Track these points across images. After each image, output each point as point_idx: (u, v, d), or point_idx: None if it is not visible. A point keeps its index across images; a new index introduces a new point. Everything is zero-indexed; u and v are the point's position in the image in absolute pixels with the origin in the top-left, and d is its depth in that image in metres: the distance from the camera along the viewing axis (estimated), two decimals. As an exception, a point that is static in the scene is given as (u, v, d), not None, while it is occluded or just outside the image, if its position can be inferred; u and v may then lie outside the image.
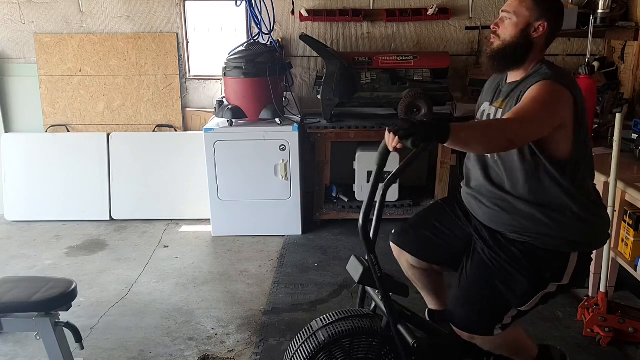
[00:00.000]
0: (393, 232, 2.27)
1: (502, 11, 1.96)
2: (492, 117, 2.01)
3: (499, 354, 2.03)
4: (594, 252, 2.06)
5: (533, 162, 1.86)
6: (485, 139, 1.71)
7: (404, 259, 2.23)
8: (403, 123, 1.61)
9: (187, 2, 4.38)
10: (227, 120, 3.86)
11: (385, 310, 1.90)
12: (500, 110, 1.96)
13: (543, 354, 2.15)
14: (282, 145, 3.84)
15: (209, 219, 4.04)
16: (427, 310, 2.37)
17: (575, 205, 1.87)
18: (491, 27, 1.98)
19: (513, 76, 1.99)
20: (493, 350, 2.00)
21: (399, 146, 1.61)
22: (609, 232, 2.04)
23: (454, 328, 1.96)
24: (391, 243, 2.26)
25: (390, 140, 1.64)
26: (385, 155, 1.80)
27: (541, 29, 1.90)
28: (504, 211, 1.93)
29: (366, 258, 1.87)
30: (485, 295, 1.91)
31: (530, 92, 1.81)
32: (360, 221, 1.80)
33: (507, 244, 1.92)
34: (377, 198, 1.80)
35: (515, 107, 1.80)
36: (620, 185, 2.64)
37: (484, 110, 2.08)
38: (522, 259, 1.89)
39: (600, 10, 3.67)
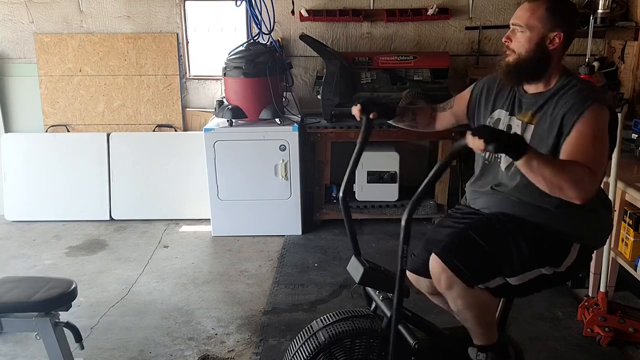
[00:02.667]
0: (413, 265, 2.10)
1: (512, 24, 1.88)
2: (520, 131, 1.90)
3: (463, 317, 1.94)
4: (594, 252, 2.05)
5: None
6: (553, 182, 1.63)
7: (424, 287, 2.14)
8: (489, 129, 1.59)
9: (187, 2, 4.38)
10: (227, 120, 3.86)
11: (385, 311, 1.90)
12: (531, 127, 1.88)
13: (499, 344, 2.00)
14: (282, 145, 3.84)
15: (209, 219, 4.04)
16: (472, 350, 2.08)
17: (587, 203, 1.80)
18: (503, 40, 1.91)
19: (533, 86, 1.91)
20: (461, 310, 1.91)
21: (482, 149, 1.58)
22: (609, 234, 2.03)
23: (435, 271, 1.84)
24: (408, 273, 2.07)
25: (474, 143, 1.57)
26: (457, 154, 1.76)
27: (557, 40, 1.83)
28: (514, 202, 1.92)
29: (366, 259, 1.86)
30: (482, 248, 1.85)
31: (588, 127, 1.73)
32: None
33: (514, 218, 1.90)
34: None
35: (583, 150, 1.71)
36: (620, 185, 2.64)
37: (499, 119, 2.00)
38: (527, 231, 1.87)
39: (600, 10, 3.67)
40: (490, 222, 1.92)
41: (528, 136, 1.88)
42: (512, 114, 1.97)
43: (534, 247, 1.86)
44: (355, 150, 2.01)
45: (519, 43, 1.86)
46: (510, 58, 1.88)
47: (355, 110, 2.04)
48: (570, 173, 1.64)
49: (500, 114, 2.01)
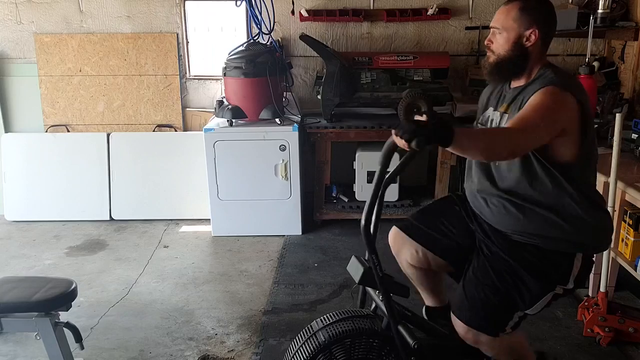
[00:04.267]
0: (403, 222, 2.24)
1: (491, 27, 1.97)
2: (496, 122, 2.01)
3: (499, 359, 2.02)
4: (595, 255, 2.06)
5: (538, 166, 1.85)
6: (486, 148, 1.71)
7: (404, 257, 2.21)
8: (408, 125, 1.60)
9: (187, 2, 4.38)
10: (227, 120, 3.86)
11: (385, 311, 1.90)
12: (505, 115, 1.96)
13: None
14: (282, 145, 3.84)
15: (209, 219, 4.04)
16: (424, 307, 2.35)
17: (580, 208, 1.87)
18: (485, 42, 2.00)
19: (517, 81, 1.99)
20: (496, 355, 1.99)
21: (406, 147, 1.60)
22: (611, 236, 2.04)
23: (460, 331, 1.94)
24: (396, 232, 2.21)
25: (399, 141, 1.63)
26: (389, 156, 1.80)
27: (533, 36, 1.90)
28: (509, 213, 1.93)
29: (367, 258, 1.86)
30: (494, 296, 1.90)
31: (533, 100, 1.81)
32: (363, 221, 1.80)
33: (514, 246, 1.93)
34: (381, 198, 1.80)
35: (517, 115, 1.80)
36: (620, 185, 2.64)
37: (488, 117, 2.08)
38: (530, 262, 1.89)
39: (600, 10, 3.67)
40: (494, 268, 1.93)
41: (503, 124, 1.96)
42: (495, 108, 2.05)
43: (540, 278, 1.89)
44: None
45: (498, 44, 1.95)
46: (491, 59, 1.97)
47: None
48: (498, 132, 1.81)
49: (489, 112, 2.09)
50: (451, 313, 1.97)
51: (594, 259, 2.01)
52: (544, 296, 1.91)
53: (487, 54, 1.99)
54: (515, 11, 1.90)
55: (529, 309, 1.92)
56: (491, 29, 1.98)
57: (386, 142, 1.79)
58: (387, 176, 1.78)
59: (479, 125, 2.14)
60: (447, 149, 1.64)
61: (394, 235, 2.23)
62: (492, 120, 2.05)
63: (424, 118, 1.88)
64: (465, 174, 2.17)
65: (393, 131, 1.65)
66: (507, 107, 1.97)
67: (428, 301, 2.35)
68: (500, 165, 1.94)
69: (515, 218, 1.92)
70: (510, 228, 1.94)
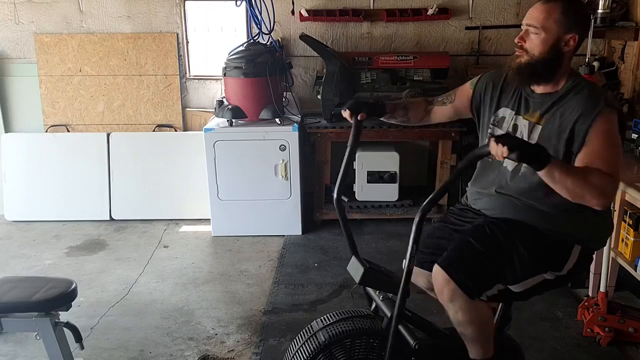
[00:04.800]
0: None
1: (526, 25, 1.85)
2: (526, 131, 1.91)
3: (461, 331, 1.94)
4: (595, 252, 2.05)
5: None
6: (576, 192, 1.65)
7: (422, 281, 2.14)
8: (513, 138, 1.59)
9: (187, 2, 4.38)
10: (227, 120, 3.86)
11: (385, 311, 1.90)
12: (538, 127, 1.88)
13: (495, 358, 2.02)
14: (282, 145, 3.84)
15: (209, 219, 4.04)
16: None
17: (584, 206, 1.81)
18: (516, 40, 1.87)
19: (542, 87, 1.90)
20: (461, 323, 1.91)
21: (503, 156, 1.58)
22: (611, 233, 2.03)
23: (439, 282, 1.85)
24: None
25: (497, 150, 1.57)
26: (476, 160, 1.79)
27: (572, 42, 1.82)
28: (516, 208, 1.92)
29: (366, 259, 1.86)
30: (484, 256, 1.86)
31: (606, 134, 1.74)
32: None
33: (517, 224, 1.91)
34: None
35: (601, 155, 1.72)
36: (620, 185, 2.64)
37: (504, 117, 1.99)
38: (528, 238, 1.87)
39: (600, 10, 3.67)
40: (491, 230, 1.91)
41: (535, 136, 1.88)
42: (518, 113, 1.96)
43: (535, 254, 1.86)
44: (347, 152, 2.01)
45: (532, 44, 1.83)
46: (523, 59, 1.86)
47: (346, 114, 2.04)
48: (592, 182, 1.66)
49: (505, 112, 2.00)
50: (435, 264, 1.90)
51: (593, 256, 2.00)
52: (533, 276, 1.88)
53: (517, 52, 1.87)
54: (558, 12, 1.80)
55: (514, 284, 1.87)
56: (524, 27, 1.85)
57: (476, 149, 1.72)
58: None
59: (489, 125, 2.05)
60: (539, 172, 1.61)
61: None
62: (514, 125, 1.95)
63: None
64: (474, 176, 2.12)
65: (492, 139, 1.58)
66: (540, 117, 1.88)
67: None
68: (525, 174, 1.89)
69: (521, 214, 1.92)
70: (512, 216, 1.94)
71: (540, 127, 1.87)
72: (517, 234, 1.89)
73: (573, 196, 1.67)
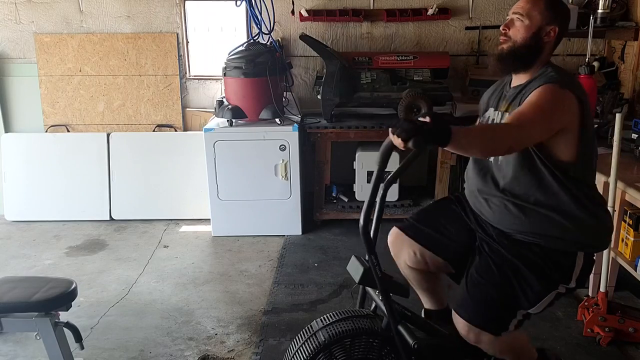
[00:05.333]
0: (402, 223, 2.23)
1: (512, 13, 1.95)
2: (496, 122, 2.00)
3: (501, 358, 2.02)
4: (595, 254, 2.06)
5: (539, 166, 1.86)
6: (484, 145, 1.72)
7: (403, 259, 2.21)
8: (406, 124, 1.61)
9: (187, 2, 4.38)
10: (227, 120, 3.86)
11: (385, 311, 1.90)
12: (506, 114, 1.96)
13: (541, 359, 2.14)
14: (282, 145, 3.84)
15: (209, 219, 4.04)
16: (423, 310, 2.35)
17: (581, 207, 1.88)
18: (501, 28, 1.97)
19: (518, 79, 1.99)
20: (498, 354, 1.98)
21: (402, 147, 1.61)
22: (611, 235, 2.04)
23: (462, 330, 1.93)
24: (396, 233, 2.21)
25: (395, 141, 1.64)
26: (386, 155, 1.80)
27: (552, 33, 1.91)
28: (510, 213, 1.93)
29: (366, 258, 1.86)
30: (497, 295, 1.90)
31: (532, 97, 1.81)
32: (361, 221, 1.79)
33: (517, 245, 1.93)
34: (378, 198, 1.80)
35: (515, 111, 1.80)
36: (620, 185, 2.64)
37: (489, 117, 2.08)
38: (532, 261, 1.89)
39: (600, 10, 3.67)
40: (496, 265, 1.93)
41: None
42: (496, 108, 2.05)
43: (543, 277, 1.89)
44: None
45: (516, 31, 1.93)
46: (505, 45, 1.95)
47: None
48: (495, 128, 1.81)
49: (490, 112, 2.08)
50: (452, 311, 1.96)
51: (594, 258, 2.01)
52: (547, 295, 1.91)
53: (501, 39, 1.96)
54: (543, 4, 1.91)
55: (532, 307, 1.91)
56: (511, 15, 1.95)
57: (384, 141, 1.79)
58: (389, 177, 1.78)
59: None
60: (446, 148, 1.64)
61: (394, 237, 2.23)
62: (492, 120, 2.04)
63: (427, 120, 1.87)
64: (465, 176, 2.16)
65: (390, 130, 1.64)
66: (508, 106, 1.97)
67: (427, 304, 2.35)
68: (502, 165, 1.94)
69: (517, 218, 1.92)
70: (512, 228, 1.94)
71: (508, 114, 1.95)
72: (522, 261, 1.90)
73: (486, 150, 1.77)
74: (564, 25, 1.96)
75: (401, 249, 2.20)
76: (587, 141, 1.87)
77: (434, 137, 1.60)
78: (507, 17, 1.97)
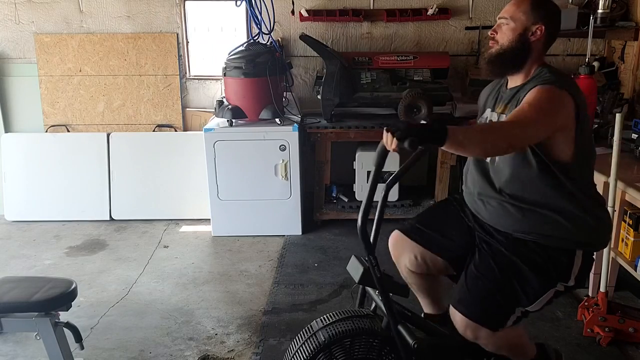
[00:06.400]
0: (403, 225, 2.24)
1: (499, 18, 2.00)
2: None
3: (500, 354, 2.02)
4: (595, 253, 2.06)
5: (536, 165, 1.86)
6: (483, 143, 1.72)
7: (403, 263, 2.20)
8: (401, 124, 1.61)
9: (187, 2, 4.38)
10: (227, 120, 3.86)
11: (385, 311, 1.90)
12: (503, 116, 1.97)
13: (540, 354, 2.14)
14: (282, 145, 3.84)
15: (209, 219, 4.04)
16: (422, 315, 2.34)
17: (579, 206, 1.88)
18: (489, 33, 2.01)
19: (513, 81, 2.00)
20: (496, 350, 1.99)
21: (393, 147, 1.61)
22: (610, 234, 2.04)
23: (460, 325, 1.93)
24: (397, 236, 2.21)
25: (388, 141, 1.64)
26: (383, 155, 1.80)
27: (539, 32, 1.92)
28: (508, 214, 1.94)
29: (366, 258, 1.87)
30: (496, 290, 1.90)
31: (529, 96, 1.82)
32: (359, 222, 1.79)
33: (515, 243, 1.93)
34: (378, 198, 1.80)
35: (514, 111, 1.81)
36: (620, 185, 2.64)
37: (486, 117, 2.09)
38: (531, 259, 1.90)
39: (600, 10, 3.68)
40: (496, 262, 1.94)
41: None
42: (493, 109, 2.06)
43: (541, 275, 1.89)
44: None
45: (503, 34, 1.97)
46: (493, 49, 1.98)
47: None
48: (494, 127, 1.81)
49: (487, 113, 2.09)
50: (450, 307, 1.96)
51: (594, 257, 2.01)
52: (545, 293, 1.91)
53: (490, 44, 2.00)
54: (526, 5, 1.93)
55: (530, 305, 1.92)
56: (498, 20, 2.00)
57: (380, 141, 1.79)
58: (391, 177, 1.78)
59: None
60: (444, 148, 1.64)
61: (395, 240, 2.23)
62: (490, 121, 2.05)
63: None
64: (463, 178, 2.17)
65: (384, 130, 1.64)
66: (505, 107, 1.98)
67: (427, 308, 2.35)
68: (498, 166, 1.94)
69: (515, 218, 1.93)
70: (511, 228, 1.95)
71: (504, 115, 1.96)
72: (521, 258, 1.91)
73: (484, 148, 1.75)
74: (552, 24, 1.96)
75: (402, 253, 2.20)
76: (584, 141, 1.87)
77: (429, 136, 1.60)
78: (497, 22, 2.01)
